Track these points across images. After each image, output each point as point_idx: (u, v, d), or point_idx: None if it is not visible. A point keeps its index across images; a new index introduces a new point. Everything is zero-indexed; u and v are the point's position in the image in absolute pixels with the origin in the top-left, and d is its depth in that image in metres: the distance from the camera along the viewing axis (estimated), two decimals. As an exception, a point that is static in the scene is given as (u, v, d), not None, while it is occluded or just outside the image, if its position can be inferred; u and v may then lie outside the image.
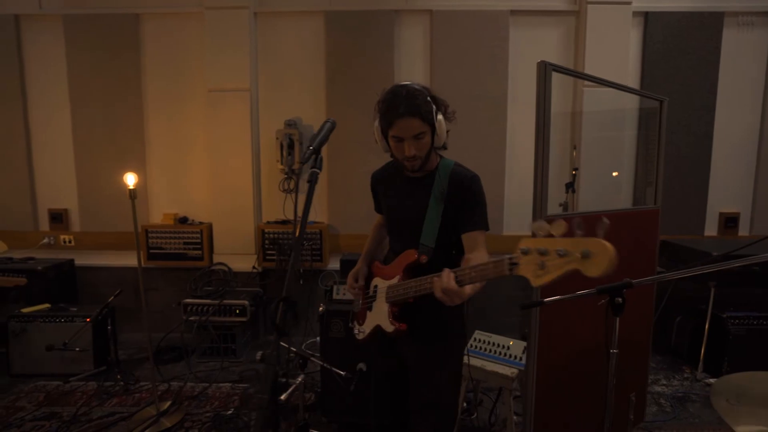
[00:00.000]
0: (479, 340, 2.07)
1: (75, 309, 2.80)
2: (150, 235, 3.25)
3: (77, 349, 2.66)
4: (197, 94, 3.35)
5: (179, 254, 3.23)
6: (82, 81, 3.33)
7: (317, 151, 1.05)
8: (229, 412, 2.29)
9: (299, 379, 0.97)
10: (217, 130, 3.28)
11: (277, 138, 3.23)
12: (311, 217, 3.29)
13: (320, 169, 1.05)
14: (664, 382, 2.64)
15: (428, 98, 1.23)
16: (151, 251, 3.25)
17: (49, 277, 3.08)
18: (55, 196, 3.46)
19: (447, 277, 1.03)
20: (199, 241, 3.21)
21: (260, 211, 3.39)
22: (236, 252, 3.30)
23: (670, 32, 3.17)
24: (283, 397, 0.91)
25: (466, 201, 1.28)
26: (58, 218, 3.43)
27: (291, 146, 3.20)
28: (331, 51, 3.25)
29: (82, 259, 3.41)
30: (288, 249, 3.11)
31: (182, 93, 3.38)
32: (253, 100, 3.30)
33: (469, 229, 1.27)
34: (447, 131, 1.31)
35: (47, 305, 2.85)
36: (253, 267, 3.25)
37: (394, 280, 1.31)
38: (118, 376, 2.63)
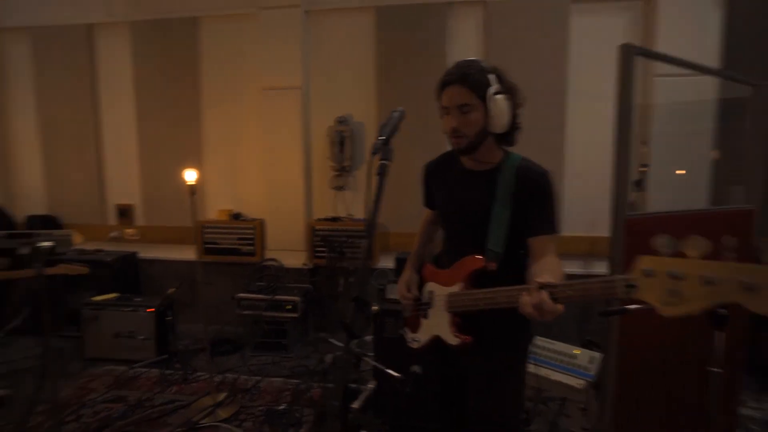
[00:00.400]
0: (540, 347, 1.95)
1: (139, 299, 2.95)
2: (205, 230, 3.37)
3: (141, 337, 2.80)
4: (251, 93, 3.42)
5: (233, 249, 3.32)
6: (147, 84, 3.50)
7: (387, 142, 0.99)
8: (282, 407, 2.31)
9: (370, 386, 0.92)
10: (269, 127, 3.34)
11: (328, 135, 3.24)
12: (360, 215, 3.28)
13: (390, 160, 0.98)
14: (754, 405, 2.38)
15: (484, 71, 1.12)
16: (207, 246, 3.37)
17: (116, 268, 3.27)
18: (122, 193, 3.67)
19: (540, 295, 0.92)
20: (252, 236, 3.28)
21: (311, 208, 3.42)
22: (287, 248, 3.35)
23: (756, 12, 2.86)
24: (355, 404, 0.87)
25: (536, 200, 1.15)
26: (125, 213, 3.64)
27: (342, 143, 3.20)
28: (382, 47, 3.21)
29: (144, 252, 3.60)
30: (338, 246, 3.11)
31: (237, 92, 3.47)
32: (305, 98, 3.33)
33: (539, 232, 1.14)
34: (515, 122, 1.18)
35: (115, 294, 3.03)
36: (304, 264, 3.28)
37: (455, 288, 1.20)
38: (177, 366, 2.74)
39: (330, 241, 3.15)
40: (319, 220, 3.29)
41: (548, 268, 1.07)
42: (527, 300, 0.93)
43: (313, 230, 3.22)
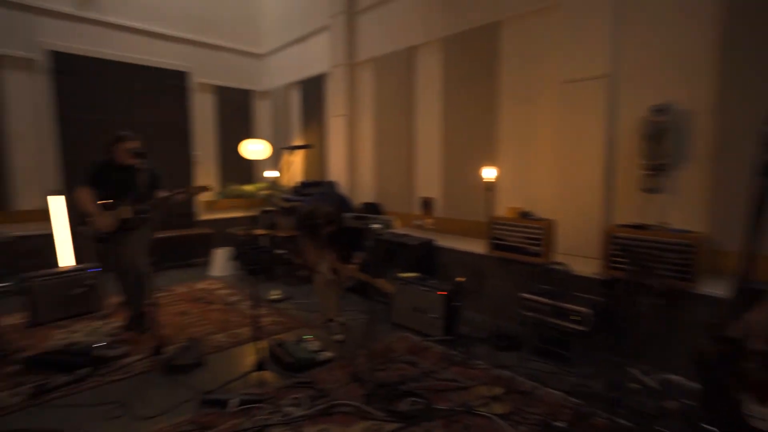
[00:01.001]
0: None
1: (434, 282, 3.34)
2: (494, 226, 3.48)
3: (432, 315, 3.18)
4: (548, 89, 3.29)
5: (519, 248, 3.30)
6: (452, 90, 3.92)
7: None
8: (561, 425, 2.12)
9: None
10: (566, 123, 3.13)
11: (639, 128, 2.75)
12: (677, 224, 2.64)
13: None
14: None
15: None
16: (494, 242, 3.47)
17: (419, 251, 3.82)
18: (426, 186, 4.25)
19: None
20: (539, 237, 3.16)
21: (611, 211, 3.01)
22: (578, 253, 3.07)
23: None
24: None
25: None
26: (427, 204, 4.21)
27: (659, 137, 2.65)
28: (726, 14, 2.45)
29: (440, 241, 4.06)
30: (643, 259, 2.60)
31: (534, 89, 3.41)
32: (612, 87, 2.93)
33: None
34: None
35: (416, 274, 3.54)
36: (596, 273, 2.92)
37: None
38: (460, 349, 2.95)
39: (633, 251, 2.67)
40: (621, 226, 2.84)
41: None
42: None
43: (612, 237, 2.81)
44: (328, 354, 2.85)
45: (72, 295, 3.61)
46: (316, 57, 5.46)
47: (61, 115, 4.83)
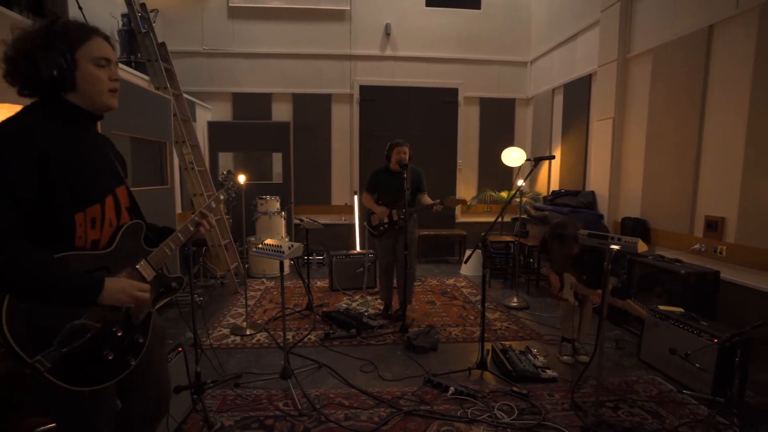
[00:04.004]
0: None
1: (705, 324, 2.64)
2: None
3: (697, 365, 2.53)
4: None
5: None
6: (766, 77, 2.92)
7: None
8: None
9: None
10: None
11: None
12: None
13: None
14: None
15: None
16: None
17: (689, 282, 3.08)
18: (714, 204, 3.34)
19: None
20: None
21: None
22: None
23: None
24: None
25: None
26: (713, 226, 3.31)
27: None
28: None
29: (729, 273, 3.14)
30: None
31: None
32: None
33: None
34: None
35: (681, 309, 2.89)
36: None
37: None
38: (736, 420, 2.25)
39: None
40: None
41: None
42: None
43: None
44: (552, 373, 2.73)
45: (356, 273, 4.72)
46: (583, 57, 5.08)
47: (361, 133, 6.32)
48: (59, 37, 1.09)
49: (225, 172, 1.82)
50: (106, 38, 1.19)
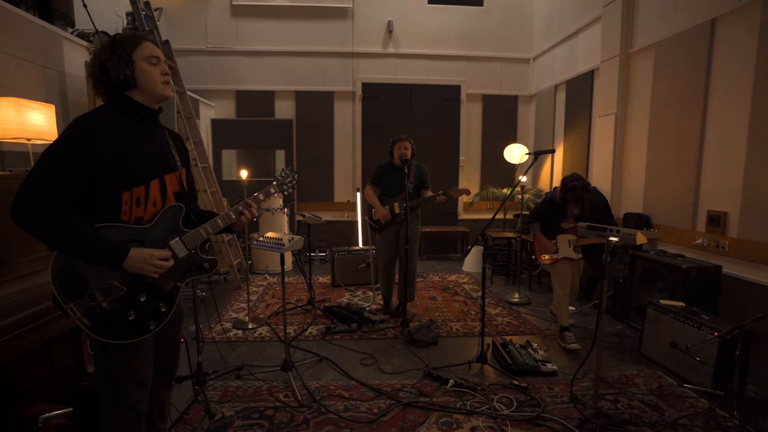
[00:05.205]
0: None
1: (706, 318, 2.64)
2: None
3: (698, 358, 2.53)
4: None
5: None
6: (769, 69, 2.91)
7: None
8: None
9: None
10: None
11: None
12: None
13: None
14: None
15: None
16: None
17: (691, 277, 3.07)
18: (717, 198, 3.33)
19: None
20: None
21: None
22: None
23: None
24: None
25: None
26: (716, 221, 3.30)
27: None
28: None
29: (730, 268, 3.13)
30: None
31: None
32: None
33: None
34: None
35: (682, 304, 2.88)
36: None
37: None
38: (736, 413, 2.25)
39: None
40: None
41: None
42: None
43: None
44: (552, 366, 2.74)
45: (357, 268, 4.74)
46: (585, 53, 5.07)
47: (364, 130, 6.34)
48: (119, 45, 1.34)
49: (286, 169, 1.80)
50: (154, 41, 1.42)
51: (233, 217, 1.56)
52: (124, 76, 1.33)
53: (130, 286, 1.32)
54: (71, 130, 1.26)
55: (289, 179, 1.78)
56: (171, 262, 1.38)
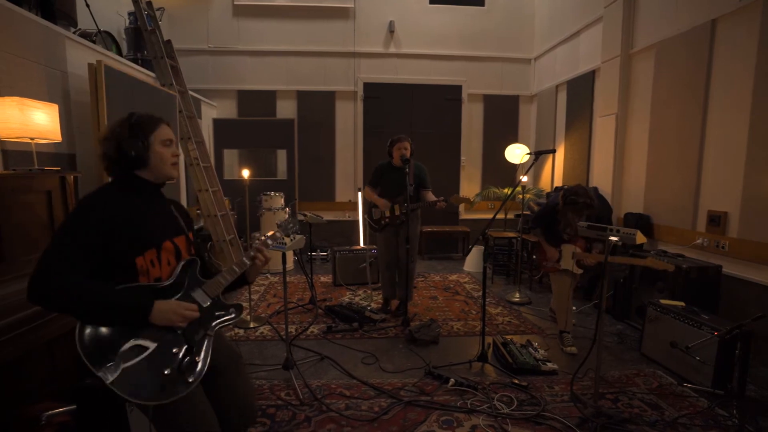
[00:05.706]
0: None
1: (706, 317, 2.65)
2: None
3: (698, 358, 2.54)
4: None
5: None
6: (769, 70, 2.91)
7: None
8: None
9: None
10: None
11: None
12: None
13: None
14: None
15: None
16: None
17: (691, 277, 3.08)
18: (717, 198, 3.33)
19: None
20: None
21: None
22: None
23: None
24: None
25: None
26: (716, 221, 3.30)
27: None
28: None
29: (730, 268, 3.13)
30: None
31: None
32: None
33: None
34: None
35: (682, 303, 2.89)
36: None
37: None
38: (735, 412, 2.26)
39: None
40: None
41: None
42: None
43: None
44: (552, 366, 2.75)
45: (359, 268, 4.75)
46: (586, 53, 5.08)
47: (365, 130, 6.35)
48: (138, 126, 1.41)
49: (288, 218, 1.85)
50: (168, 124, 1.50)
51: (247, 263, 1.60)
52: (141, 156, 1.39)
53: (161, 342, 1.32)
54: (79, 210, 1.30)
55: (291, 224, 1.84)
56: (197, 312, 1.40)
